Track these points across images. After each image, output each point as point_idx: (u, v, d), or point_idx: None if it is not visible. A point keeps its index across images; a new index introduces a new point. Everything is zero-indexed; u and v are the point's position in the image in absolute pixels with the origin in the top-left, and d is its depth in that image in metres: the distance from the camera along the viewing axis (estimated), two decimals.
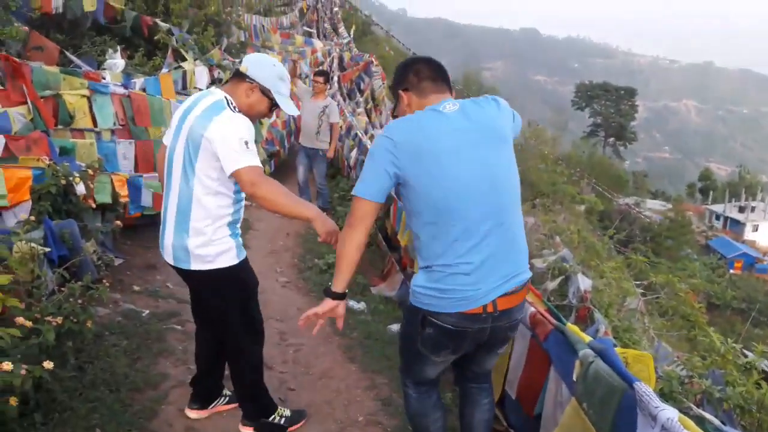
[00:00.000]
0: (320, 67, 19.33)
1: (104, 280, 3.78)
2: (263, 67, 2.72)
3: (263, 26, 17.62)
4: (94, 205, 4.77)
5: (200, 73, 9.33)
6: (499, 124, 2.33)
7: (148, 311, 4.51)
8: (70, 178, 4.47)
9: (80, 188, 4.72)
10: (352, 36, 24.72)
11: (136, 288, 5.00)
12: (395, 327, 4.82)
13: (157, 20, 9.20)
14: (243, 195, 2.71)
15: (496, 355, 2.60)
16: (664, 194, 60.01)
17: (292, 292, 5.57)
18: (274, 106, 2.77)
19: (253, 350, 3.01)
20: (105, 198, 5.33)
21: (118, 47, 7.86)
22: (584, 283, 7.18)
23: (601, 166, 43.78)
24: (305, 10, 26.05)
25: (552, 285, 6.88)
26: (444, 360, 2.47)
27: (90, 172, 4.73)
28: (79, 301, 2.82)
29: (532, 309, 3.15)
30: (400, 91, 2.43)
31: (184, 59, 9.08)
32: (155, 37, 9.03)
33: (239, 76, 2.71)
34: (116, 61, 7.30)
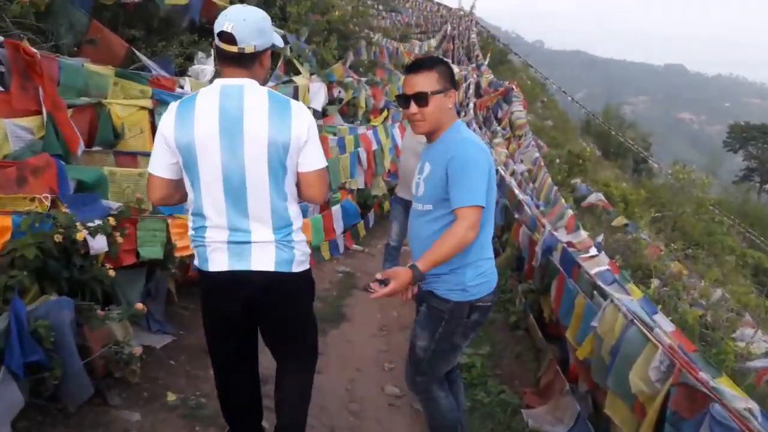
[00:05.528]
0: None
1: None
2: None
3: (397, 49, 16.39)
4: (112, 273, 3.11)
5: (316, 90, 7.78)
6: None
7: None
8: (72, 230, 2.85)
9: (98, 242, 3.12)
10: (486, 62, 23.19)
11: (170, 398, 3.29)
12: None
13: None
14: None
15: None
16: None
17: (403, 419, 3.61)
18: None
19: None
20: (153, 252, 3.75)
21: (212, 51, 6.39)
22: None
23: (756, 214, 38.97)
24: (442, 40, 25.11)
25: None
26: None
27: (112, 221, 3.10)
28: None
29: None
30: (453, 90, 2.62)
31: (297, 72, 7.54)
32: None
33: None
34: (204, 66, 5.79)
